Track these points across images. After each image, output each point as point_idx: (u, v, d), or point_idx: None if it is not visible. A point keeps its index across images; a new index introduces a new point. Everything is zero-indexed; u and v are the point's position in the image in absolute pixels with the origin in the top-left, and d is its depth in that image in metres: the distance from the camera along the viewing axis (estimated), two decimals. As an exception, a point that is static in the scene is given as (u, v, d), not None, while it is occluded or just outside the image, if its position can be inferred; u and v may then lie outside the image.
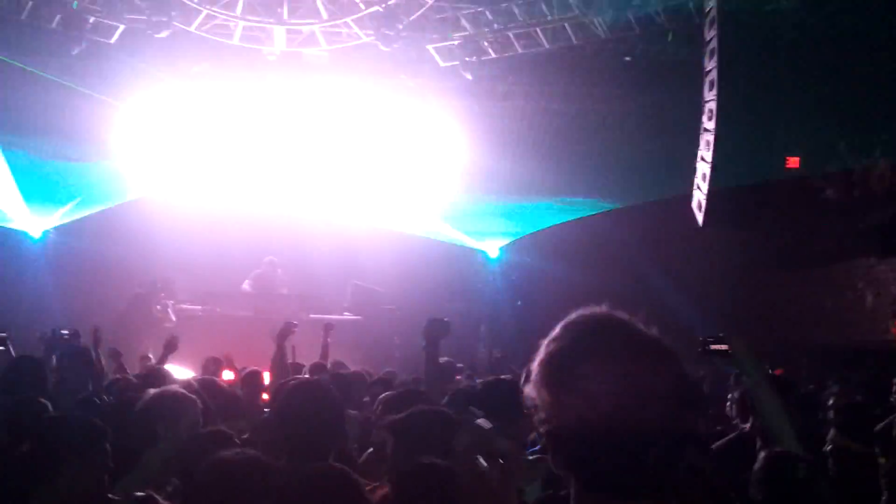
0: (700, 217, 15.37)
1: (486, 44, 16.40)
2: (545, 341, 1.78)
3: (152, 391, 4.69)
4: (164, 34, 15.13)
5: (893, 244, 14.72)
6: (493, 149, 15.75)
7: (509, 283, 16.23)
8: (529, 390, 1.77)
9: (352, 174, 16.54)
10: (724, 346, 4.36)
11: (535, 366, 1.76)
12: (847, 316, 15.54)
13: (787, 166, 15.40)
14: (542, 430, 1.76)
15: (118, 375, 8.22)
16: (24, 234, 15.25)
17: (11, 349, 8.51)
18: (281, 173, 16.27)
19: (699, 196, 15.48)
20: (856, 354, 15.00)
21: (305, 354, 9.47)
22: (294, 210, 15.94)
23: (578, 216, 16.26)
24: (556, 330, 1.78)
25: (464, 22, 16.17)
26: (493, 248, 17.33)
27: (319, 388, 4.17)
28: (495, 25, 16.16)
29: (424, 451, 3.73)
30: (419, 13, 15.62)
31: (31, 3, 14.70)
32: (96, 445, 3.97)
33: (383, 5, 15.40)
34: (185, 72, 15.67)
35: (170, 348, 8.70)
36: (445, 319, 6.07)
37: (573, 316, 1.79)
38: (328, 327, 9.82)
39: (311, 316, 12.84)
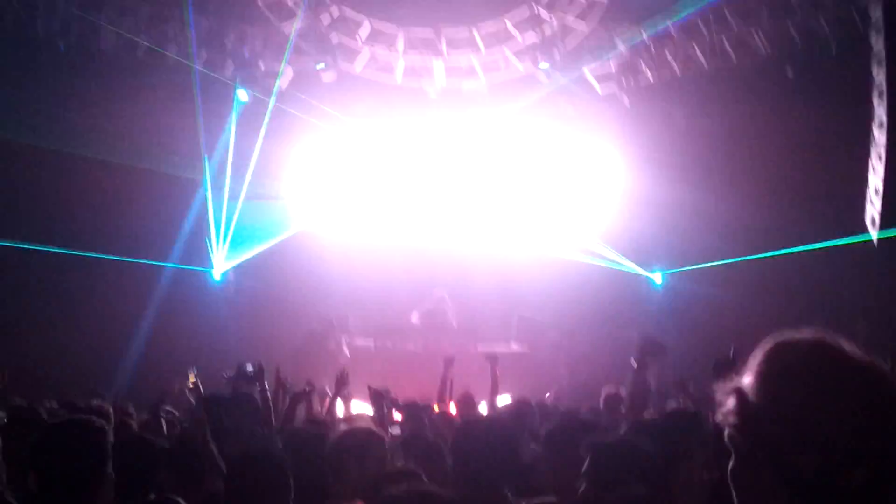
0: (874, 233, 14.76)
1: (644, 67, 16.29)
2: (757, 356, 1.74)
3: (343, 427, 4.84)
4: (330, 77, 15.80)
5: None
6: (656, 173, 15.54)
7: (673, 311, 15.89)
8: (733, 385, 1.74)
9: (513, 204, 16.70)
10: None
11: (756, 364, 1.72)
12: None
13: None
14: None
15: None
16: (208, 273, 16.03)
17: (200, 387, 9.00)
18: (444, 206, 16.59)
19: (872, 212, 14.88)
20: None
21: (474, 387, 9.57)
22: (457, 242, 16.20)
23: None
24: (771, 347, 1.74)
25: (621, 46, 16.10)
26: (657, 275, 17.03)
27: (494, 423, 4.26)
28: (652, 49, 16.04)
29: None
30: (576, 41, 15.69)
31: (206, 53, 15.61)
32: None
33: (539, 37, 15.57)
34: (350, 112, 16.23)
35: (342, 383, 8.96)
36: (658, 340, 5.66)
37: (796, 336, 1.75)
38: (493, 359, 9.66)
39: (480, 349, 13.01)
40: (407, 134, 16.54)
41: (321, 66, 15.78)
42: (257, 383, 9.00)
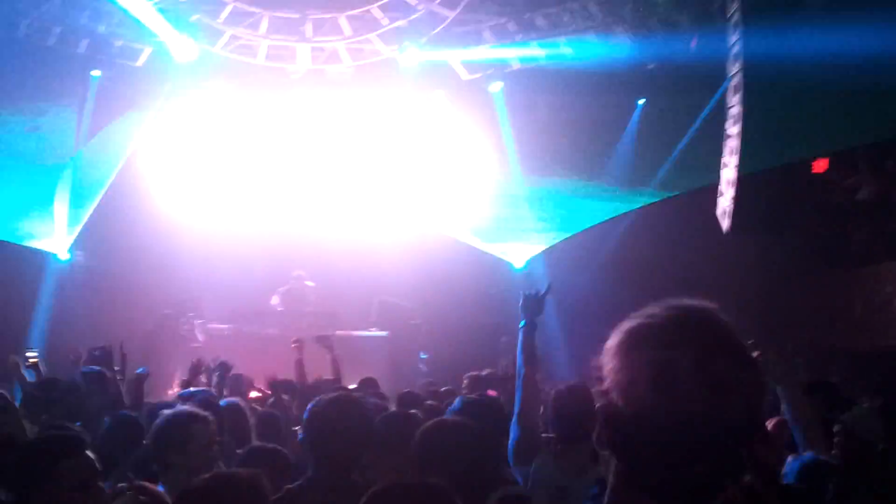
0: (726, 223, 15.29)
1: (509, 56, 16.41)
2: (637, 314, 1.70)
3: (165, 413, 4.68)
4: (189, 56, 15.31)
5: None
6: (522, 161, 15.75)
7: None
8: (603, 357, 1.69)
9: (376, 189, 16.57)
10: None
11: (619, 332, 1.68)
12: (877, 319, 15.38)
13: (814, 171, 15.34)
14: (600, 402, 1.67)
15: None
16: (53, 255, 15.37)
17: (42, 370, 8.60)
18: (305, 190, 16.33)
19: (724, 203, 15.41)
20: (885, 359, 14.85)
21: (325, 371, 9.46)
22: (319, 227, 15.99)
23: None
24: (653, 307, 1.69)
25: (487, 34, 16.17)
26: (519, 259, 17.25)
27: (348, 403, 4.19)
28: (518, 37, 16.16)
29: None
30: (441, 27, 15.66)
31: (59, 29, 14.93)
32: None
33: (406, 20, 15.47)
34: (209, 92, 15.80)
35: (196, 370, 8.74)
36: (539, 294, 5.28)
37: (675, 301, 1.70)
38: (325, 341, 9.42)
39: (338, 333, 12.87)
40: (269, 115, 16.19)
41: (181, 43, 15.26)
42: (108, 365, 8.70)
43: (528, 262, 17.27)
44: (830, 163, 15.95)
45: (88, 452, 3.77)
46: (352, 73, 16.20)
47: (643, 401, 1.60)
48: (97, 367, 7.79)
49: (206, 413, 4.60)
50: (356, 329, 13.75)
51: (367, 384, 8.85)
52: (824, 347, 14.48)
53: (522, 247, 17.08)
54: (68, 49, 15.05)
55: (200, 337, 13.56)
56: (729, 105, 15.37)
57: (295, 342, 9.14)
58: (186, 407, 4.91)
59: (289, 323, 13.59)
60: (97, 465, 3.76)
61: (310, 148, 16.39)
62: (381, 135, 16.59)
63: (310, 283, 14.89)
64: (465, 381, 9.06)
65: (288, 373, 8.90)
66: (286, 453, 5.07)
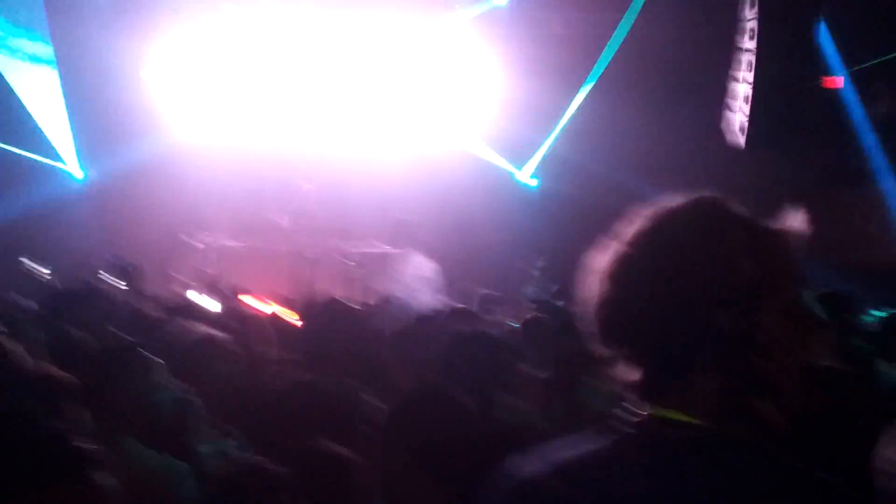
0: (742, 139, 15.18)
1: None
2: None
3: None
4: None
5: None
6: (532, 78, 15.54)
7: (550, 215, 16.02)
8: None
9: (385, 102, 16.36)
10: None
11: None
12: (888, 237, 15.35)
13: (826, 86, 15.14)
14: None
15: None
16: (69, 174, 15.34)
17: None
18: (312, 104, 16.13)
19: (741, 118, 15.27)
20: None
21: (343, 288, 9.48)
22: (326, 140, 15.84)
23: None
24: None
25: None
26: (528, 173, 17.11)
27: (343, 308, 4.22)
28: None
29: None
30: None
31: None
32: None
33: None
34: (209, 8, 15.57)
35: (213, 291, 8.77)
36: None
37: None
38: (311, 262, 9.22)
39: (344, 248, 12.81)
40: (275, 28, 15.92)
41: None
42: (128, 282, 8.74)
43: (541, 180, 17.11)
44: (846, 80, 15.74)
45: None
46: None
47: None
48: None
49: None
50: (367, 245, 13.74)
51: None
52: (838, 264, 14.45)
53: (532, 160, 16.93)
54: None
55: (213, 255, 13.47)
56: (740, 19, 15.13)
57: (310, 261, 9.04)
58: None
59: (300, 237, 13.54)
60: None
61: (317, 63, 16.13)
62: (392, 49, 16.32)
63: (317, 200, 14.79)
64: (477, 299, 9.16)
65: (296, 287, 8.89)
66: None
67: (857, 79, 15.39)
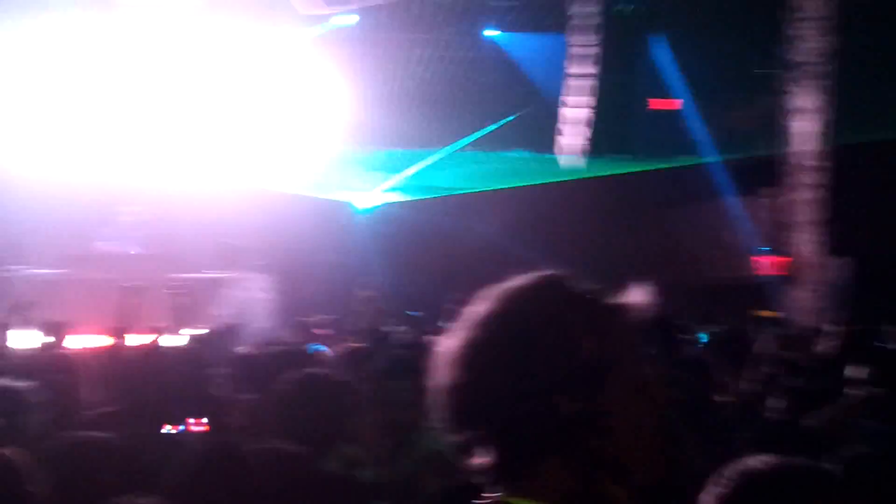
0: (583, 163, 15.58)
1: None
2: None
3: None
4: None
5: (753, 183, 15.17)
6: (371, 101, 15.51)
7: (380, 236, 16.05)
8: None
9: (213, 126, 15.86)
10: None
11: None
12: (709, 253, 16.00)
13: (655, 107, 15.69)
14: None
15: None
16: None
17: None
18: (138, 129, 15.46)
19: (582, 142, 15.63)
20: (718, 291, 15.49)
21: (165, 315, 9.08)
22: (154, 167, 15.24)
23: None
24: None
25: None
26: (366, 201, 17.11)
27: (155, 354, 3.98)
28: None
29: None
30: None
31: None
32: None
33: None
34: (32, 23, 14.74)
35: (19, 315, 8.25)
36: None
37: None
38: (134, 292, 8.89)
39: (171, 276, 12.35)
40: (97, 47, 15.20)
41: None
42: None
43: (375, 208, 17.11)
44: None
45: None
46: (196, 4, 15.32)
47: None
48: None
49: None
50: (191, 272, 13.27)
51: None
52: (661, 283, 14.93)
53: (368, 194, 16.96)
54: None
55: (22, 285, 12.66)
56: (572, 44, 15.50)
57: (129, 287, 8.60)
58: None
59: (123, 266, 12.95)
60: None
61: (143, 81, 15.48)
62: (224, 69, 15.83)
63: (143, 225, 14.21)
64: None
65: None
66: None
67: (696, 97, 16.03)
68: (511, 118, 16.20)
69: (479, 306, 1.65)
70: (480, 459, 1.61)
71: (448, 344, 1.65)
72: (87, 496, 3.19)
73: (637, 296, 1.69)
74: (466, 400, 1.60)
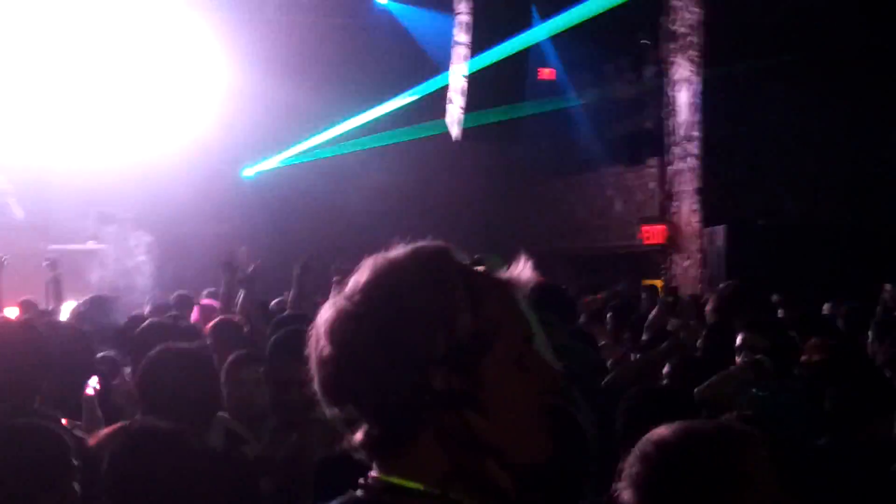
0: (456, 131, 15.48)
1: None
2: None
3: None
4: None
5: (639, 153, 15.42)
6: (256, 70, 15.19)
7: (266, 203, 15.82)
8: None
9: (93, 92, 15.27)
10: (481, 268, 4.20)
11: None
12: (597, 223, 16.21)
13: (540, 77, 15.76)
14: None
15: None
16: None
17: None
18: (10, 101, 14.74)
19: (454, 111, 15.55)
20: (606, 260, 15.74)
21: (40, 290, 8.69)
22: (32, 134, 14.60)
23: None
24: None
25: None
26: (250, 170, 16.87)
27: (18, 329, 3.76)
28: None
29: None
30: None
31: None
32: None
33: None
34: None
35: None
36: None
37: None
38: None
39: (51, 247, 11.86)
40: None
41: None
42: None
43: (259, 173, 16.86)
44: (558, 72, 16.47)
45: None
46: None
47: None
48: None
49: None
50: (72, 243, 12.79)
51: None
52: (551, 251, 15.10)
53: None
54: None
55: None
56: (457, 12, 15.43)
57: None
58: None
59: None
60: None
61: (14, 48, 14.79)
62: (98, 35, 15.23)
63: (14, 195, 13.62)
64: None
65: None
66: None
67: (569, 69, 16.15)
68: (416, 98, 16.04)
69: (358, 276, 1.59)
70: (359, 435, 1.56)
71: (323, 315, 1.58)
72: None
73: (520, 268, 1.63)
74: (335, 373, 1.55)
